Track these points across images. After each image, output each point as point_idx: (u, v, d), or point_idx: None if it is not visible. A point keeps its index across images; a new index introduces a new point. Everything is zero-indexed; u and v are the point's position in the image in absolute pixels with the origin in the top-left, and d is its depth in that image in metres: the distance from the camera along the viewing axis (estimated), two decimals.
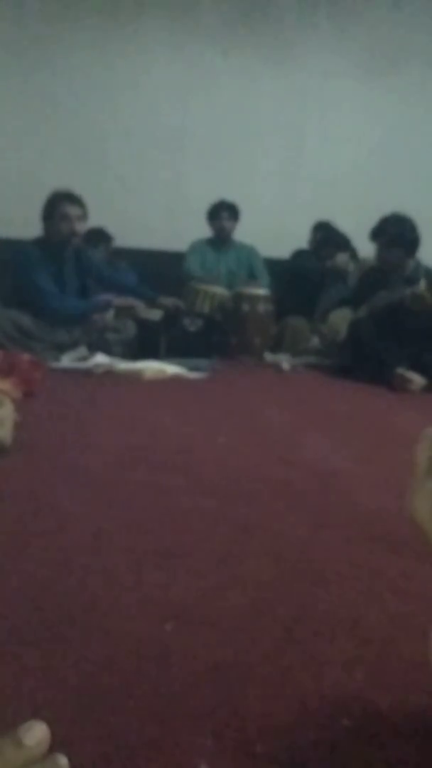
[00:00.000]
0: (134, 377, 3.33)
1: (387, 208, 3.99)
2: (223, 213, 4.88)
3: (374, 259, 4.10)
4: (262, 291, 4.57)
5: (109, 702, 0.78)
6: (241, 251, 5.01)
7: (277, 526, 1.41)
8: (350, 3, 5.88)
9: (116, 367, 3.46)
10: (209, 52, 5.68)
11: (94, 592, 1.05)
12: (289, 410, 2.88)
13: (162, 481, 1.67)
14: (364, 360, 3.65)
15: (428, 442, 0.59)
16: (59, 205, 3.75)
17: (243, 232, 4.95)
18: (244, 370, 4.04)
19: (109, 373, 3.39)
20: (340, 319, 4.28)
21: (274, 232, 5.26)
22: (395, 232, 3.84)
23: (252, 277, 4.92)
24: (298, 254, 5.37)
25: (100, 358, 3.57)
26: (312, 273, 4.94)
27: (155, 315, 4.08)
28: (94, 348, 3.74)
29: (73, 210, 3.74)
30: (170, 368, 3.50)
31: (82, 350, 3.77)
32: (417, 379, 3.46)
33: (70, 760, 0.38)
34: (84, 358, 3.64)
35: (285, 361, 4.11)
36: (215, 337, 4.20)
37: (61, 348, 3.76)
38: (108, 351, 3.72)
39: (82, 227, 3.83)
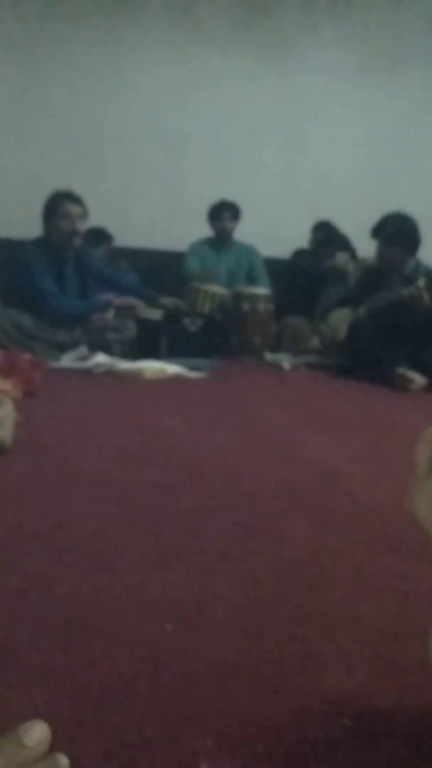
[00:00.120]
0: (134, 377, 3.33)
1: (387, 208, 3.99)
2: (224, 213, 4.85)
3: (374, 257, 4.10)
4: (262, 290, 4.57)
5: (109, 702, 0.78)
6: (241, 251, 5.00)
7: (277, 525, 1.40)
8: (350, 3, 5.88)
9: (116, 367, 3.46)
10: (209, 52, 5.67)
11: (94, 592, 1.05)
12: (289, 410, 2.88)
13: (162, 481, 1.67)
14: (364, 359, 3.65)
15: (428, 441, 0.59)
16: (60, 204, 3.75)
17: (243, 232, 4.94)
18: (245, 370, 4.04)
19: (110, 373, 3.39)
20: (340, 318, 4.28)
21: (274, 231, 5.26)
22: (396, 230, 3.84)
23: (252, 277, 4.92)
24: (298, 254, 5.38)
25: (101, 358, 3.57)
26: (312, 273, 4.94)
27: (155, 315, 4.08)
28: (94, 348, 3.74)
29: (74, 208, 3.75)
30: (170, 368, 3.50)
31: (83, 350, 3.77)
32: (417, 379, 3.45)
33: (70, 759, 0.38)
34: (84, 358, 3.64)
35: (285, 361, 4.11)
36: (215, 337, 4.19)
37: (62, 348, 3.76)
38: (108, 351, 3.72)
39: (82, 226, 3.83)
